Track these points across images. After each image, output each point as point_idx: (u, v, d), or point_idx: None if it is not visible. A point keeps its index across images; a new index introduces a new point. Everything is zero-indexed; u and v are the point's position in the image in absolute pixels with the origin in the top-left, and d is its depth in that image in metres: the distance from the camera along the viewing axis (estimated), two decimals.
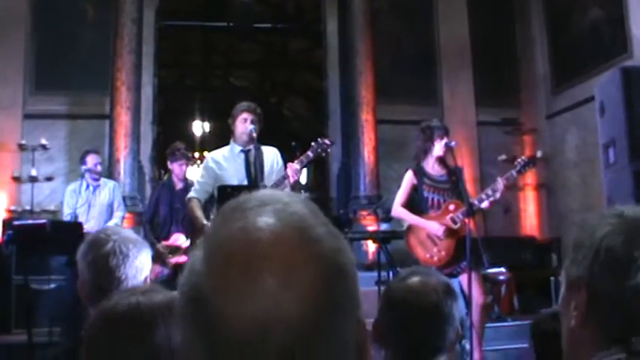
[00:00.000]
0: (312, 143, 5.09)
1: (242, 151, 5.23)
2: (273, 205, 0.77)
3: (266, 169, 5.19)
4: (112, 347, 1.34)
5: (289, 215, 0.76)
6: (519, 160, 5.44)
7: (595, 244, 1.11)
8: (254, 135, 5.14)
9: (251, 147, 5.20)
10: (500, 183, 5.10)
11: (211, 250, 0.76)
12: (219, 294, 0.71)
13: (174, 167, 6.99)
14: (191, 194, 5.30)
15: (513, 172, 5.27)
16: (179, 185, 6.93)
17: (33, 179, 8.41)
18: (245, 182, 5.06)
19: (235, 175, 5.14)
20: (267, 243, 0.73)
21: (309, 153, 5.02)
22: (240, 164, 5.20)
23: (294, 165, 4.94)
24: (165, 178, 7.64)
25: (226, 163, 5.26)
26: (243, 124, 5.19)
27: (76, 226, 6.19)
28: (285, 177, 4.90)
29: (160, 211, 6.94)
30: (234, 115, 5.28)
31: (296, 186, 5.01)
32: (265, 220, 0.75)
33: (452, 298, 1.92)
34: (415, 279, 1.94)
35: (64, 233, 5.94)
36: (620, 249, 1.08)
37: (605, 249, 1.09)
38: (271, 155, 5.30)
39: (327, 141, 5.10)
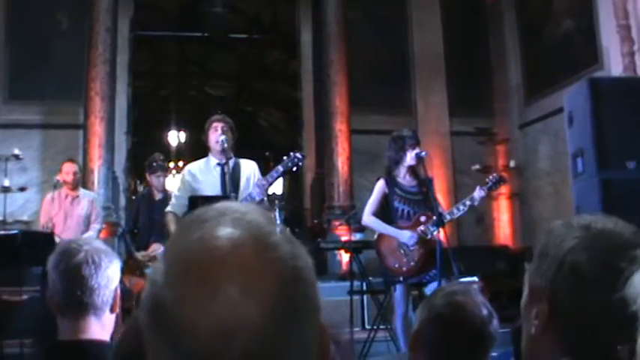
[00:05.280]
0: (284, 157, 5.05)
1: (218, 164, 5.18)
2: (230, 215, 0.78)
3: (242, 182, 5.15)
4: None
5: (246, 223, 0.77)
6: (491, 177, 5.47)
7: (559, 257, 1.11)
8: (225, 145, 5.09)
9: (228, 160, 5.14)
10: (477, 194, 5.18)
11: (170, 262, 0.76)
12: (179, 304, 0.72)
13: (152, 179, 7.03)
14: (168, 208, 5.27)
15: (484, 189, 5.32)
16: (158, 196, 6.97)
17: (6, 189, 8.35)
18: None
19: (211, 188, 5.10)
20: (225, 251, 0.73)
21: (280, 167, 4.98)
22: (216, 177, 5.15)
23: (262, 181, 4.94)
24: (142, 188, 7.60)
25: (202, 176, 5.23)
26: (215, 133, 5.17)
27: (48, 237, 6.13)
28: (252, 196, 4.88)
29: (139, 222, 7.00)
30: (206, 128, 5.28)
31: (270, 202, 4.97)
32: (223, 230, 0.75)
33: (495, 317, 1.97)
34: (461, 297, 1.96)
35: (36, 244, 5.88)
36: (584, 265, 1.08)
37: (570, 263, 1.09)
38: (249, 169, 5.26)
39: (298, 155, 5.04)
